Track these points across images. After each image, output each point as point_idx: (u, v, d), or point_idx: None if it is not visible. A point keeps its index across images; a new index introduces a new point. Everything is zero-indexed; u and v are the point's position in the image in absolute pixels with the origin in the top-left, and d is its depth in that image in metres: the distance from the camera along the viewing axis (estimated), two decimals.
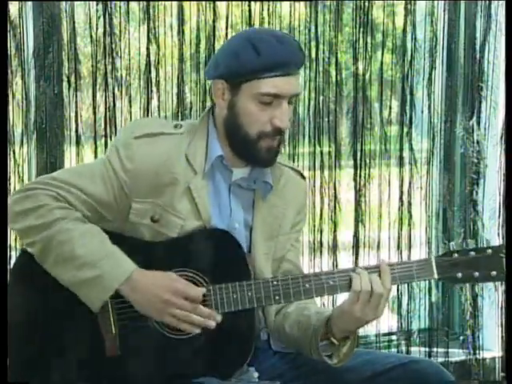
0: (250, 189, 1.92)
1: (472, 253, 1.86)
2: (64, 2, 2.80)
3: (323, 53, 3.18)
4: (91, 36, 2.88)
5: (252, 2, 2.98)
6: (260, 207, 1.92)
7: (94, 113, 2.92)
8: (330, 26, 3.16)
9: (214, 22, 2.97)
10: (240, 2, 2.98)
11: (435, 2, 3.30)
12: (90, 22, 2.87)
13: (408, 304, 3.31)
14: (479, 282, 1.87)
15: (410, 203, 3.34)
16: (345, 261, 3.21)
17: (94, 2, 2.85)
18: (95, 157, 3.04)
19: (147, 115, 3.00)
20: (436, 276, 1.84)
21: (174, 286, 1.76)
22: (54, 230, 1.75)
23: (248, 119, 1.80)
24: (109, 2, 2.85)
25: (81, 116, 2.89)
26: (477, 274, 1.86)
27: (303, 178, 2.06)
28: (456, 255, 1.86)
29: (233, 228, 1.88)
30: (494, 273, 1.85)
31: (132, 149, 1.82)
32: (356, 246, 3.25)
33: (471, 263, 1.85)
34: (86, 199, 1.83)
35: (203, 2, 2.96)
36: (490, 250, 1.86)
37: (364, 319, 1.78)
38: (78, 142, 2.87)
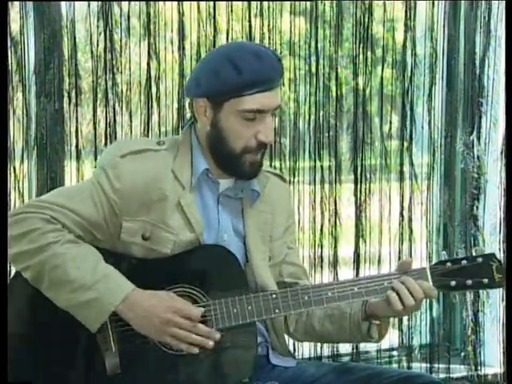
0: (238, 198, 1.94)
1: (464, 261, 1.90)
2: (65, 19, 2.84)
3: (323, 68, 3.22)
4: (92, 52, 2.93)
5: (252, 18, 3.04)
6: (249, 215, 1.94)
7: (95, 128, 2.96)
8: (330, 41, 3.21)
9: (214, 37, 3.02)
10: (241, 18, 3.04)
11: (435, 18, 3.36)
12: (91, 38, 2.91)
13: (409, 319, 3.33)
14: (472, 289, 1.91)
15: (410, 218, 3.38)
16: (345, 276, 3.22)
17: (95, 19, 2.89)
18: None
19: (147, 130, 3.05)
20: (431, 284, 1.88)
21: (173, 306, 1.77)
22: (47, 255, 1.76)
23: (232, 136, 1.83)
24: (109, 19, 2.89)
25: (81, 131, 2.91)
26: (470, 281, 1.89)
27: (284, 180, 2.09)
28: (449, 264, 1.90)
29: (222, 240, 1.90)
30: (485, 280, 1.89)
31: (119, 168, 1.84)
32: (357, 261, 3.28)
33: (463, 271, 1.89)
34: (79, 220, 1.84)
35: (204, 17, 3.00)
36: (480, 259, 1.90)
37: (405, 314, 1.88)
38: (78, 158, 2.90)
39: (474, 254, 1.94)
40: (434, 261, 3.30)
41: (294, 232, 2.13)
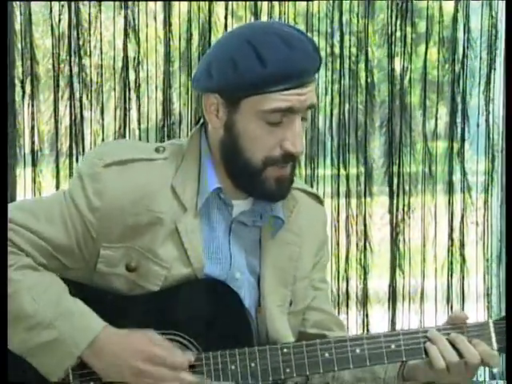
0: (255, 226, 1.89)
1: None
2: None
3: (349, 48, 3.19)
4: (52, 28, 2.92)
5: None
6: (269, 248, 1.90)
7: (56, 126, 2.96)
8: (358, 13, 3.17)
9: (209, 9, 3.00)
10: None
11: None
12: (51, 11, 2.92)
13: None
14: None
15: (462, 243, 3.30)
16: (378, 318, 3.18)
17: None
18: (57, 183, 3.05)
19: (124, 128, 3.04)
20: (495, 346, 1.77)
21: (151, 352, 1.73)
22: None
23: (251, 143, 1.79)
24: None
25: (38, 130, 2.95)
26: None
27: (321, 203, 2.04)
28: None
29: (233, 279, 1.86)
30: None
31: (101, 180, 1.80)
32: (392, 299, 3.24)
33: None
34: (43, 245, 1.80)
35: None
36: None
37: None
38: (34, 164, 2.91)
39: None
40: (495, 299, 3.25)
41: (324, 267, 2.05)
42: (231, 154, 1.81)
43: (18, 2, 2.89)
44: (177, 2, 3.06)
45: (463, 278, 3.29)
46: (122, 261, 1.80)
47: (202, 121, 1.89)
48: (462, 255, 3.31)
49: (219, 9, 3.05)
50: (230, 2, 3.05)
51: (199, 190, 1.83)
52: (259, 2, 3.06)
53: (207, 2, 3.01)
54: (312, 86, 1.78)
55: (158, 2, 3.04)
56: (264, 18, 3.14)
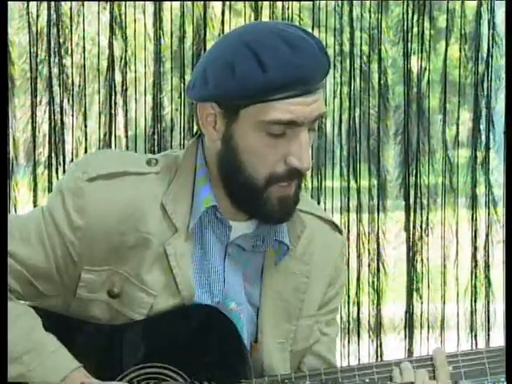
0: (257, 251, 1.88)
1: None
2: None
3: (361, 46, 3.21)
4: (29, 24, 2.95)
5: None
6: (271, 277, 1.88)
7: (34, 134, 2.97)
8: (370, 8, 3.19)
9: (205, 3, 3.06)
10: None
11: None
12: (28, 5, 2.96)
13: None
14: None
15: (487, 264, 3.30)
16: (393, 348, 3.18)
17: None
18: (34, 197, 3.07)
19: (109, 135, 3.07)
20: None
21: None
22: None
23: (252, 158, 1.78)
24: None
25: (14, 138, 2.98)
26: None
27: (339, 231, 2.01)
28: None
29: (226, 310, 1.83)
30: None
31: (83, 196, 1.78)
32: (409, 327, 3.24)
33: None
34: (16, 268, 1.78)
35: None
36: None
37: None
38: (7, 176, 2.92)
39: None
40: None
41: (335, 312, 2.02)
42: (230, 170, 1.79)
43: None
44: None
45: (488, 303, 3.27)
46: (104, 286, 1.79)
47: (199, 133, 1.88)
48: (487, 278, 3.30)
49: (215, 3, 3.10)
50: None
51: (192, 208, 1.82)
52: None
53: None
54: (319, 93, 1.76)
55: None
56: (265, 12, 3.13)
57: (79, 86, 3.03)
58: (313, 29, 3.18)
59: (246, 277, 1.87)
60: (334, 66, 3.17)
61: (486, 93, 3.30)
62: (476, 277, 3.31)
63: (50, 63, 2.97)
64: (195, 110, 1.84)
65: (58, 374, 1.72)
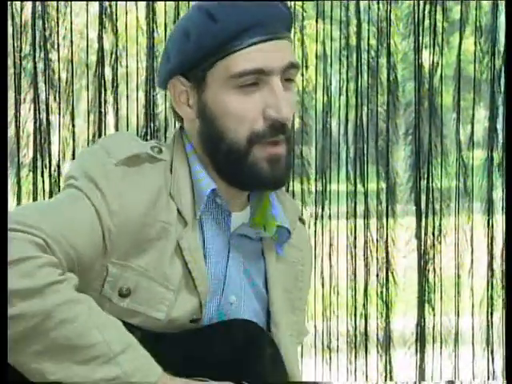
0: (260, 239, 1.90)
1: None
2: None
3: (368, 40, 3.20)
4: (12, 16, 2.95)
5: None
6: (276, 265, 1.91)
7: (17, 133, 2.95)
8: None
9: None
10: None
11: None
12: None
13: None
14: None
15: (504, 274, 3.25)
16: (403, 364, 3.19)
17: None
18: (18, 201, 3.03)
19: (99, 135, 3.04)
20: None
21: None
22: (52, 301, 1.69)
23: (228, 120, 1.79)
24: None
25: None
26: None
27: (303, 222, 2.05)
28: None
29: (227, 304, 1.85)
30: None
31: (116, 180, 1.79)
32: (421, 341, 3.23)
33: None
34: (70, 253, 1.76)
35: None
36: None
37: None
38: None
39: None
40: None
41: (305, 309, 2.06)
42: (213, 143, 1.80)
43: None
44: None
45: (506, 316, 3.05)
46: (118, 283, 1.79)
47: (180, 124, 1.89)
48: (505, 288, 3.22)
49: None
50: None
51: (195, 197, 1.82)
52: None
53: None
54: (286, 43, 1.80)
55: None
56: None
57: (66, 82, 3.02)
58: (317, 21, 3.18)
59: (250, 267, 1.89)
60: (340, 60, 3.17)
61: (503, 89, 3.28)
62: (492, 287, 3.29)
63: (34, 58, 2.97)
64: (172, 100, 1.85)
65: (150, 378, 1.71)
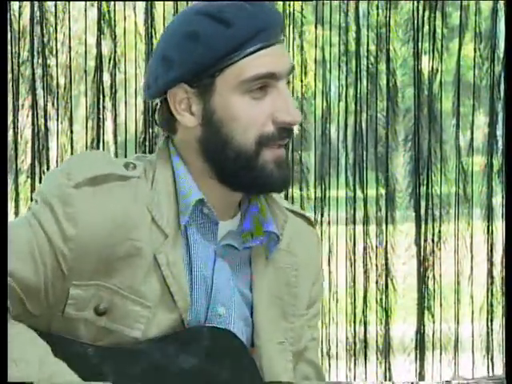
0: (247, 248, 1.89)
1: None
2: None
3: (367, 45, 3.22)
4: (10, 22, 2.97)
5: None
6: (262, 272, 1.90)
7: (15, 140, 2.96)
8: (377, 4, 3.20)
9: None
10: None
11: None
12: (9, 1, 3.01)
13: None
14: None
15: (504, 281, 3.21)
16: (403, 371, 3.19)
17: None
18: (16, 208, 3.05)
19: (97, 142, 3.06)
20: None
21: None
22: None
23: (239, 125, 1.80)
24: None
25: None
26: None
27: (311, 225, 2.03)
28: None
29: (215, 315, 1.85)
30: None
31: (73, 204, 1.77)
32: (420, 348, 3.24)
33: None
34: (9, 282, 1.77)
35: None
36: None
37: None
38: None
39: None
40: None
41: (318, 314, 2.03)
42: (218, 149, 1.80)
43: None
44: None
45: (506, 323, 3.22)
46: (91, 302, 1.78)
47: (165, 134, 1.85)
48: (505, 295, 3.12)
49: None
50: None
51: (179, 208, 1.82)
52: None
53: None
54: (283, 46, 1.83)
55: None
56: None
57: (64, 88, 3.03)
58: (316, 27, 3.19)
59: (236, 276, 1.87)
60: (339, 66, 3.18)
61: (502, 95, 3.31)
62: (492, 294, 3.30)
63: (33, 64, 2.98)
64: (161, 109, 1.81)
65: None
